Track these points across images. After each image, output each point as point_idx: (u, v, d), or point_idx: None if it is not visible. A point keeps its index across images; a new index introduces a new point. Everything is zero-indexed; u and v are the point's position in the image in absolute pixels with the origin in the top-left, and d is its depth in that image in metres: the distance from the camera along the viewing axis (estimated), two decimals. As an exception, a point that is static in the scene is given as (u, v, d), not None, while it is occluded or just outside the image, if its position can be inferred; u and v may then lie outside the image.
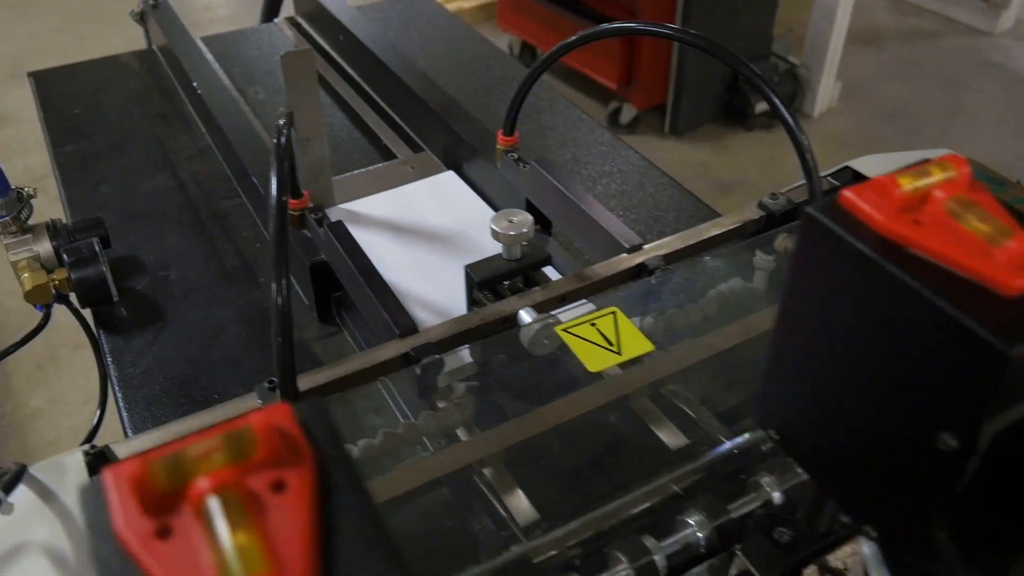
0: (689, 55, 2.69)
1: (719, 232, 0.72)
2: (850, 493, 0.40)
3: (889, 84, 3.18)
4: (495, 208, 0.87)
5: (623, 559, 0.55)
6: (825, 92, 2.96)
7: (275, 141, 0.57)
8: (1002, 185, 0.73)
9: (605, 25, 0.71)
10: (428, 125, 0.98)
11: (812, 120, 2.96)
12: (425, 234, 0.83)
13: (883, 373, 0.35)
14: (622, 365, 0.62)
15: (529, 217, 0.65)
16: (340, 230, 0.71)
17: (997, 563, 0.37)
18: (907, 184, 0.35)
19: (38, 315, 0.80)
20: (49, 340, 1.50)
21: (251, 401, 0.57)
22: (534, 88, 0.80)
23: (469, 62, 1.27)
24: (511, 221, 0.65)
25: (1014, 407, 0.33)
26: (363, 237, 0.83)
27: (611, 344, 0.56)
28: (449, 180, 0.92)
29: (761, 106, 2.83)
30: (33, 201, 0.79)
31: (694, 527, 0.56)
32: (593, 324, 0.58)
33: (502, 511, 0.61)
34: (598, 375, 0.61)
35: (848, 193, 0.36)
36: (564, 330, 0.57)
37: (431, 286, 0.75)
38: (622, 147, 1.08)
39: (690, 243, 0.71)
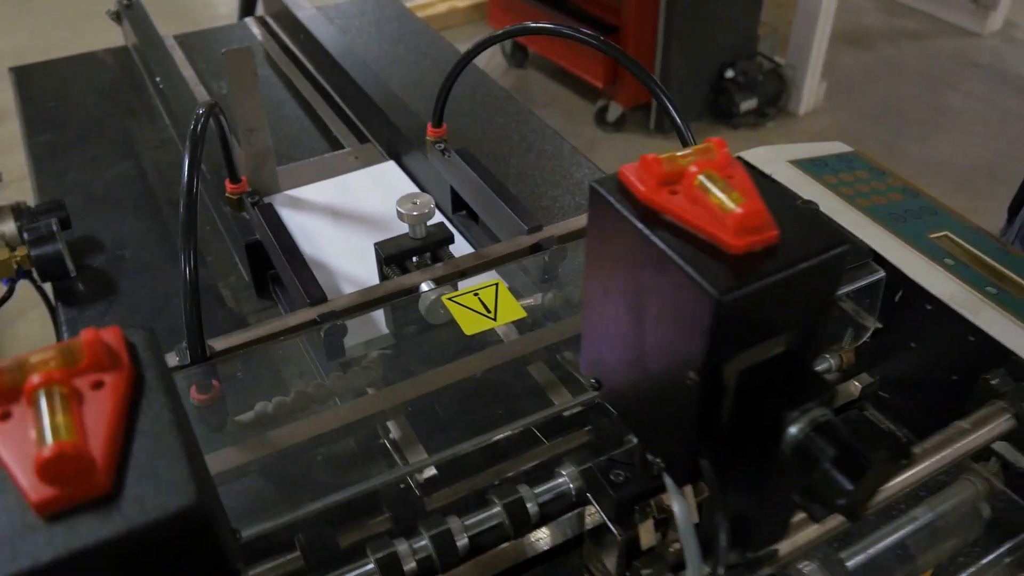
0: (673, 54, 2.75)
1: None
2: (645, 430, 0.47)
3: (875, 84, 3.22)
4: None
5: (498, 503, 0.62)
6: (810, 91, 3.01)
7: (191, 129, 0.63)
8: (882, 175, 0.78)
9: (508, 27, 0.78)
10: (373, 119, 1.05)
11: (797, 119, 3.01)
12: (361, 218, 0.90)
13: (652, 322, 0.42)
14: (521, 332, 0.69)
15: (430, 199, 0.72)
16: (268, 212, 0.78)
17: (751, 489, 0.43)
18: (668, 162, 0.42)
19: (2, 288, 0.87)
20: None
21: (171, 359, 0.64)
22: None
23: (428, 63, 1.33)
24: (414, 203, 0.71)
25: (749, 351, 0.40)
26: (304, 220, 0.90)
27: (488, 311, 0.63)
28: (388, 170, 0.98)
29: (747, 105, 2.88)
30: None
31: (566, 478, 0.63)
32: (476, 294, 0.64)
33: (399, 460, 0.67)
34: (499, 340, 0.68)
35: (624, 169, 0.42)
36: (450, 299, 0.64)
37: (360, 265, 0.82)
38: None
39: (584, 225, 0.77)
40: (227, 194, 0.83)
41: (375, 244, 0.73)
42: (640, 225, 0.40)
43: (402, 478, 0.65)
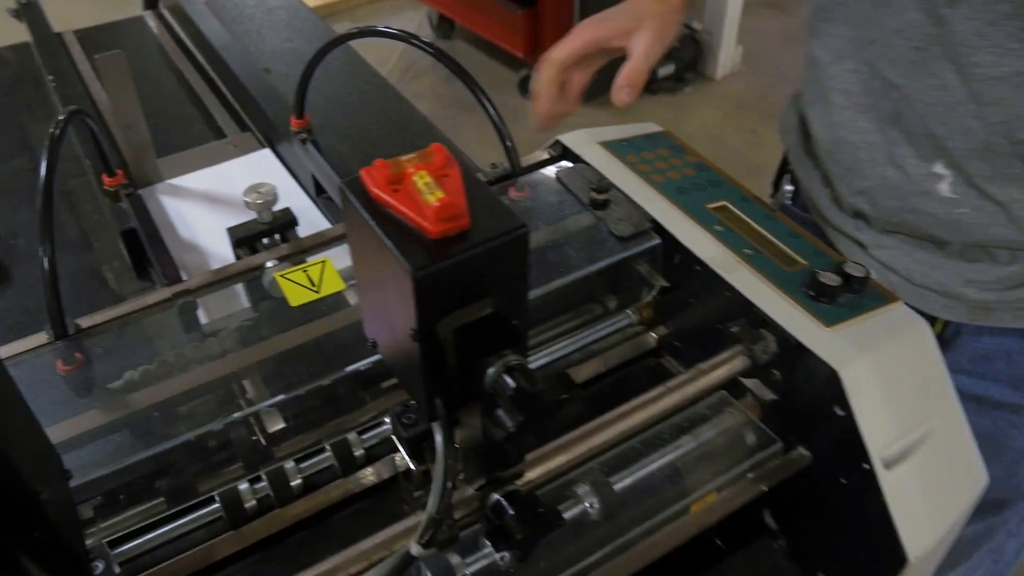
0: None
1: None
2: (403, 379, 0.58)
3: (791, 47, 3.33)
4: (300, 183, 1.04)
5: (328, 448, 0.73)
6: (727, 56, 3.12)
7: (50, 132, 0.73)
8: (681, 152, 0.89)
9: (350, 31, 0.87)
10: (251, 109, 1.14)
11: (714, 83, 3.12)
12: (235, 204, 1.00)
13: (388, 293, 0.52)
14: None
15: (274, 188, 0.82)
16: (137, 202, 0.88)
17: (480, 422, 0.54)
18: (394, 165, 0.52)
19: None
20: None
21: (43, 337, 0.73)
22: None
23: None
24: (259, 192, 0.81)
25: (458, 312, 0.51)
26: (182, 207, 1.00)
27: (313, 285, 0.73)
28: (263, 158, 1.08)
29: (664, 70, 2.98)
30: None
31: (388, 426, 0.74)
32: (305, 271, 0.75)
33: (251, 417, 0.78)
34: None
35: (363, 171, 0.53)
36: (281, 275, 0.75)
37: (227, 248, 0.92)
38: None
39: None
40: (104, 187, 0.92)
41: (227, 228, 0.83)
42: (367, 216, 0.51)
43: (250, 428, 0.75)
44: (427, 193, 0.50)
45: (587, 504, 0.69)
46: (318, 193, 0.99)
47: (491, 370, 0.50)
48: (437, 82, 3.18)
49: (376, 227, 0.50)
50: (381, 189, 0.51)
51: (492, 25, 2.98)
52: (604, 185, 0.81)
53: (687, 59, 3.02)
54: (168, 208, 0.98)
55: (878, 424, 0.67)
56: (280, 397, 0.72)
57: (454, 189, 0.51)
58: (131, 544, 0.67)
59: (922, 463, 0.69)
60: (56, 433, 0.66)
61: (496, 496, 0.58)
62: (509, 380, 0.49)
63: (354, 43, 1.06)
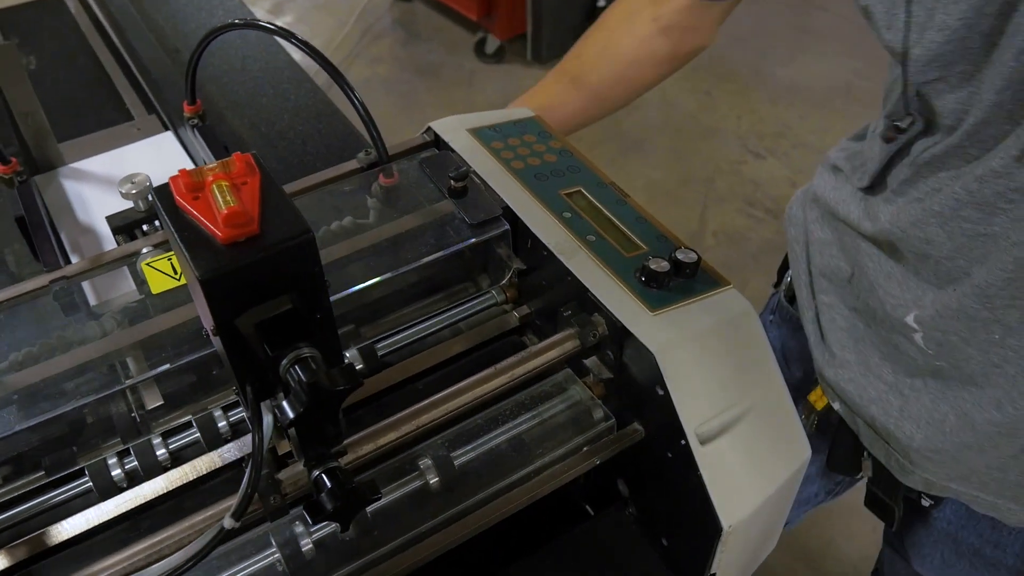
0: (546, -15, 2.83)
1: (331, 177, 0.93)
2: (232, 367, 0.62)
3: (744, 7, 3.30)
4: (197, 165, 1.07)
5: (194, 425, 0.78)
6: (684, 17, 3.12)
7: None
8: (547, 138, 0.93)
9: (225, 23, 0.90)
10: (155, 91, 1.17)
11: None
12: (132, 188, 1.04)
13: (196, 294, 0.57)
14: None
15: (147, 178, 0.86)
16: (25, 190, 0.92)
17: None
18: (196, 174, 0.56)
19: None
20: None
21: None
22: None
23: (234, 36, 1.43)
24: (132, 182, 0.85)
25: (257, 309, 0.55)
26: (83, 191, 1.04)
27: (176, 274, 0.78)
28: (165, 141, 1.11)
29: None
30: None
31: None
32: (170, 259, 0.79)
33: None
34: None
35: (171, 179, 0.57)
36: (147, 264, 0.79)
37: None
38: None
39: (305, 185, 0.92)
40: (-1, 175, 0.96)
41: (106, 217, 0.87)
42: (168, 222, 0.55)
43: (128, 405, 0.80)
44: (220, 201, 0.54)
45: (428, 478, 0.74)
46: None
47: (284, 361, 0.55)
48: (395, 44, 3.18)
49: (174, 232, 0.54)
50: (183, 197, 0.56)
51: (448, -12, 2.98)
52: (461, 173, 0.85)
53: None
54: (69, 192, 1.01)
55: (694, 403, 0.72)
56: (147, 375, 0.76)
57: (249, 197, 0.55)
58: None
59: (739, 439, 0.74)
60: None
61: (316, 472, 0.63)
62: (297, 371, 0.54)
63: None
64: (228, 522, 0.58)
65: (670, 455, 0.74)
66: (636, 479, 0.83)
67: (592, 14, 2.98)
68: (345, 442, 0.68)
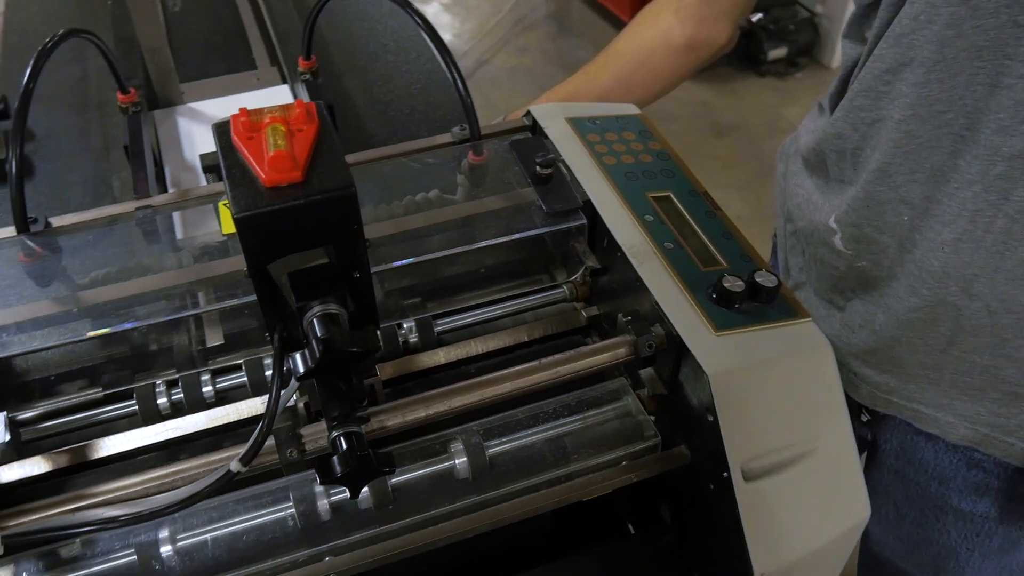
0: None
1: (421, 147, 0.92)
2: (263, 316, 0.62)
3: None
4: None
5: (243, 368, 0.78)
6: (847, 45, 2.97)
7: (43, 46, 0.80)
8: (647, 138, 0.89)
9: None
10: (281, 44, 1.20)
11: (828, 71, 2.99)
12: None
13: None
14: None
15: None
16: (134, 120, 0.95)
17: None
18: (254, 114, 0.56)
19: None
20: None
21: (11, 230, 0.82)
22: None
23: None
24: (228, 124, 0.87)
25: (292, 258, 0.54)
26: (195, 131, 1.07)
27: (248, 217, 0.78)
28: (280, 93, 1.14)
29: (775, 53, 2.88)
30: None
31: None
32: (246, 203, 0.80)
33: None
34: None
35: (232, 117, 0.57)
36: (223, 203, 0.80)
37: (221, 172, 0.99)
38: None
39: (393, 152, 0.91)
40: (119, 103, 1.00)
41: (200, 155, 0.89)
42: (220, 159, 0.55)
43: (189, 338, 0.82)
44: (271, 143, 0.54)
45: (456, 462, 0.72)
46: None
47: (308, 314, 0.54)
48: (545, 37, 3.18)
49: (224, 170, 0.54)
50: (239, 135, 0.55)
51: (604, -15, 2.95)
52: (548, 160, 0.82)
53: (802, 43, 2.89)
54: (181, 130, 1.05)
55: (744, 436, 0.67)
56: (208, 308, 0.77)
57: (301, 144, 0.54)
58: (45, 423, 0.75)
59: (790, 483, 0.68)
60: (11, 315, 0.74)
61: (336, 433, 0.62)
62: (315, 325, 0.53)
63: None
64: (235, 465, 0.58)
65: (712, 487, 0.70)
66: (678, 506, 0.79)
67: (747, 32, 2.88)
68: (372, 411, 0.67)
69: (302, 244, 0.54)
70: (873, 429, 0.91)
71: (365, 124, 1.14)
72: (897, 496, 0.94)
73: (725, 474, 0.67)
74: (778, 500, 0.68)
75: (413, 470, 0.72)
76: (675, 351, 0.70)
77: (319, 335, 0.51)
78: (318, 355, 0.51)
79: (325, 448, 0.65)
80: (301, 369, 0.52)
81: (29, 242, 0.80)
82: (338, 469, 0.60)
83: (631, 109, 0.94)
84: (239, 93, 1.12)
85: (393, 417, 0.67)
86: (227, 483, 0.58)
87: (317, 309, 0.54)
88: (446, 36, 3.16)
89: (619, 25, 3.10)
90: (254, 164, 0.53)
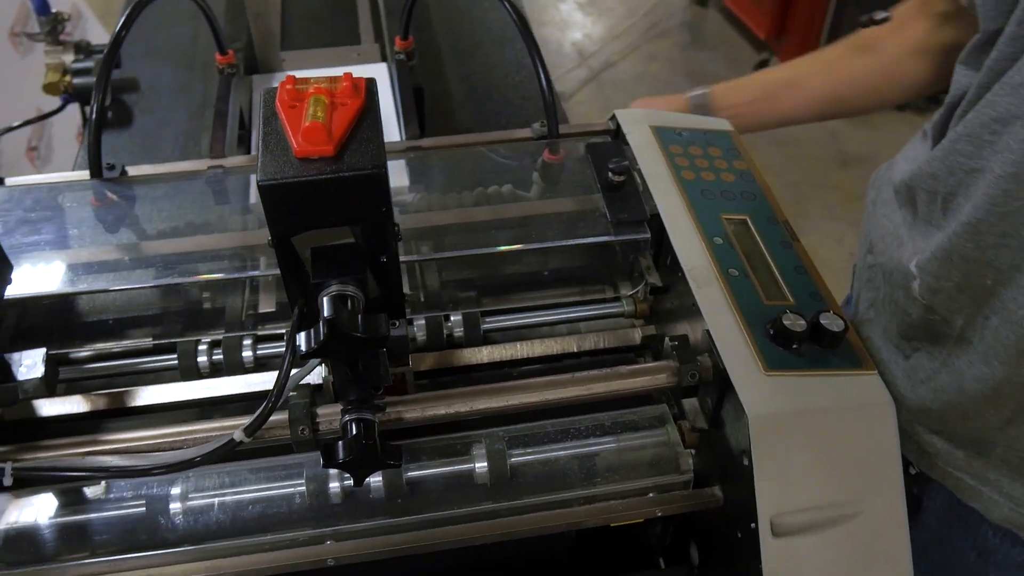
0: (848, 14, 2.61)
1: (500, 139, 0.89)
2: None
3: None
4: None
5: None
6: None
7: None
8: (733, 157, 0.84)
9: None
10: (388, 22, 1.20)
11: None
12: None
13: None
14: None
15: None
16: (224, 82, 0.97)
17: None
18: (300, 83, 0.55)
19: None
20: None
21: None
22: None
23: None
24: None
25: (316, 234, 0.53)
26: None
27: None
28: (376, 71, 1.13)
29: (918, 87, 2.71)
30: (68, 22, 1.10)
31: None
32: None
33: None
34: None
35: (281, 83, 0.56)
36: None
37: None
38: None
39: (469, 141, 0.89)
40: (216, 64, 1.02)
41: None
42: (259, 125, 0.54)
43: (242, 298, 0.82)
44: (309, 114, 0.52)
45: (476, 466, 0.70)
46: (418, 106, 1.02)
47: (323, 292, 0.52)
48: (675, 47, 3.10)
49: (260, 136, 0.53)
50: (282, 103, 0.54)
51: (744, 0, 2.85)
52: (622, 167, 0.79)
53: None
54: (276, 95, 1.06)
55: (779, 487, 0.62)
56: (259, 273, 0.77)
57: (341, 119, 0.53)
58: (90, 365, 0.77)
59: (824, 546, 0.63)
60: (72, 255, 0.75)
61: (348, 418, 0.61)
62: (324, 304, 0.51)
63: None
64: (238, 435, 0.57)
65: (739, 535, 0.65)
66: (707, 548, 0.74)
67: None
68: (391, 400, 0.65)
69: (327, 221, 0.53)
70: (920, 485, 0.84)
71: (455, 111, 1.12)
72: (934, 558, 0.87)
73: (753, 524, 0.62)
74: (808, 562, 0.62)
75: (431, 467, 0.70)
76: (720, 385, 0.66)
77: (326, 315, 0.50)
78: (322, 336, 0.50)
79: (337, 431, 0.63)
80: (303, 348, 0.50)
81: (102, 187, 0.82)
82: (341, 454, 0.58)
83: (723, 124, 0.88)
84: (336, 67, 1.12)
85: (412, 410, 0.65)
86: (229, 452, 0.57)
87: (333, 288, 0.52)
88: (575, 35, 3.13)
89: (755, 41, 2.99)
90: (290, 133, 0.52)
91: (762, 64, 2.88)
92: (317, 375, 0.72)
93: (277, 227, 0.52)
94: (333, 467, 0.59)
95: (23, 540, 0.65)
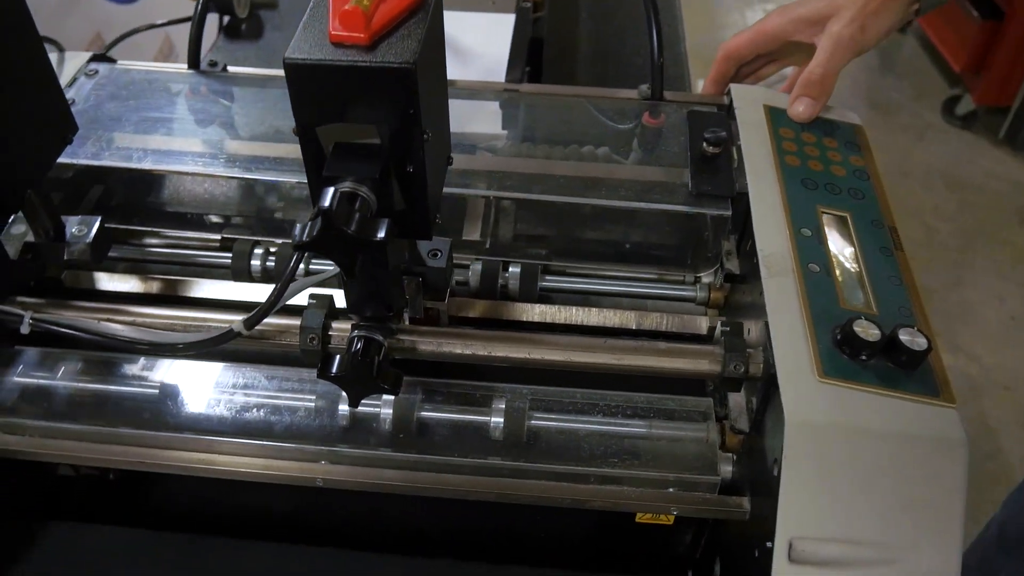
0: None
1: (602, 95, 0.84)
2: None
3: None
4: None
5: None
6: None
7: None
8: (852, 152, 0.76)
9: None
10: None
11: None
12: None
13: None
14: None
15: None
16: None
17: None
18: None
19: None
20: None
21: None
22: None
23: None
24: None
25: (340, 128, 0.50)
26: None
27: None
28: (501, 23, 1.10)
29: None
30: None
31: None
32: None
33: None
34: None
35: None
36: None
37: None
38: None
39: (569, 93, 0.85)
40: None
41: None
42: (311, 6, 0.52)
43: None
44: (354, 0, 0.49)
45: (492, 419, 0.66)
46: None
47: (333, 187, 0.49)
48: (860, 68, 2.90)
49: (305, 16, 0.51)
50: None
51: (943, 28, 2.63)
52: (719, 138, 0.72)
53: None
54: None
55: (807, 508, 0.54)
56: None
57: (387, 11, 0.50)
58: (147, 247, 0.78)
59: (851, 584, 0.55)
60: (149, 137, 0.76)
61: (355, 333, 0.58)
62: (327, 195, 0.48)
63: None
64: (238, 325, 0.55)
65: (756, 554, 0.57)
66: (728, 566, 0.67)
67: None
68: (407, 328, 0.62)
69: (352, 115, 0.50)
70: None
71: (577, 68, 1.07)
72: None
73: (769, 544, 0.54)
74: (827, 600, 0.54)
75: (444, 411, 0.66)
76: (765, 384, 0.58)
77: (324, 206, 0.47)
78: (317, 227, 0.47)
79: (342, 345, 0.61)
80: (296, 236, 0.47)
81: (199, 79, 0.83)
82: (335, 367, 0.55)
83: (850, 117, 0.80)
84: (466, 11, 1.10)
85: (427, 342, 0.61)
86: (225, 340, 0.56)
87: (344, 184, 0.49)
88: None
89: (949, 74, 2.76)
90: (331, 15, 0.50)
91: (952, 101, 2.65)
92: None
93: (301, 114, 0.50)
94: (326, 379, 0.56)
95: (38, 395, 0.66)
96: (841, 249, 0.66)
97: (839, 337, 0.58)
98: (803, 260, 0.64)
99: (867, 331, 0.57)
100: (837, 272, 0.64)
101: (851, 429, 0.55)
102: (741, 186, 0.70)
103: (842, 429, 0.55)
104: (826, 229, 0.67)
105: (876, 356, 0.57)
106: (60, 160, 0.66)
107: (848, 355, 0.57)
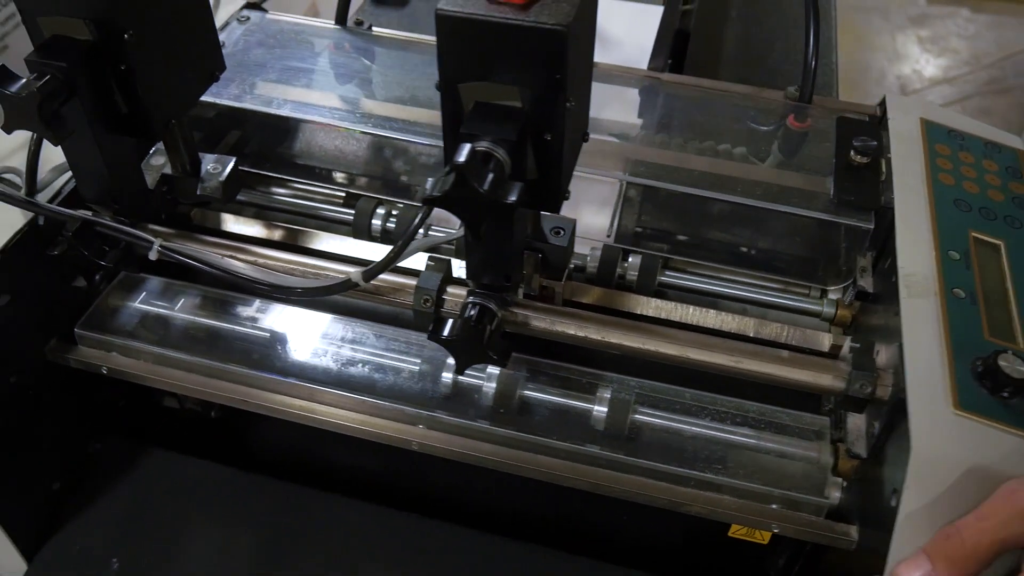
0: None
1: (746, 92, 0.81)
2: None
3: None
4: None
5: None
6: None
7: None
8: (1013, 178, 0.71)
9: None
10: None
11: None
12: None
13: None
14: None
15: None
16: None
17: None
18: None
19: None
20: None
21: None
22: None
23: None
24: None
25: (483, 86, 0.49)
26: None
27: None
28: (648, 13, 1.07)
29: None
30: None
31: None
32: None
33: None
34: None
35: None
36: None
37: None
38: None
39: (712, 87, 0.82)
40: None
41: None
42: None
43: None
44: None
45: (595, 408, 0.64)
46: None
47: (468, 145, 0.48)
48: (1014, 109, 2.74)
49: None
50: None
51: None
52: (870, 148, 0.68)
53: None
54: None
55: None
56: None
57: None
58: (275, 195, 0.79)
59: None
60: (288, 88, 0.77)
61: (471, 299, 0.58)
62: (464, 151, 0.47)
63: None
64: (356, 276, 0.55)
65: (860, 587, 0.54)
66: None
67: None
68: (524, 302, 0.61)
69: (497, 74, 0.49)
70: None
71: (721, 67, 1.04)
72: None
73: (876, 578, 0.51)
74: (934, 649, 0.50)
75: (548, 392, 0.65)
76: (891, 408, 0.55)
77: (459, 161, 0.46)
78: (450, 182, 0.46)
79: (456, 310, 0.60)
80: (427, 190, 0.47)
81: (343, 36, 0.83)
82: (447, 330, 0.55)
83: (1013, 141, 0.74)
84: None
85: (540, 319, 0.60)
86: (342, 289, 0.56)
87: (481, 143, 0.48)
88: (904, 69, 2.87)
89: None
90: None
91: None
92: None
93: (446, 68, 0.49)
94: (436, 341, 0.55)
95: (156, 324, 0.68)
96: (991, 277, 0.61)
97: (980, 369, 0.54)
98: (948, 284, 0.59)
99: (1013, 366, 0.52)
100: (983, 301, 0.59)
101: (982, 469, 0.50)
102: (887, 200, 0.66)
103: (973, 467, 0.50)
104: (976, 255, 0.62)
105: (1019, 396, 0.53)
106: (204, 99, 0.68)
107: (988, 389, 0.53)
